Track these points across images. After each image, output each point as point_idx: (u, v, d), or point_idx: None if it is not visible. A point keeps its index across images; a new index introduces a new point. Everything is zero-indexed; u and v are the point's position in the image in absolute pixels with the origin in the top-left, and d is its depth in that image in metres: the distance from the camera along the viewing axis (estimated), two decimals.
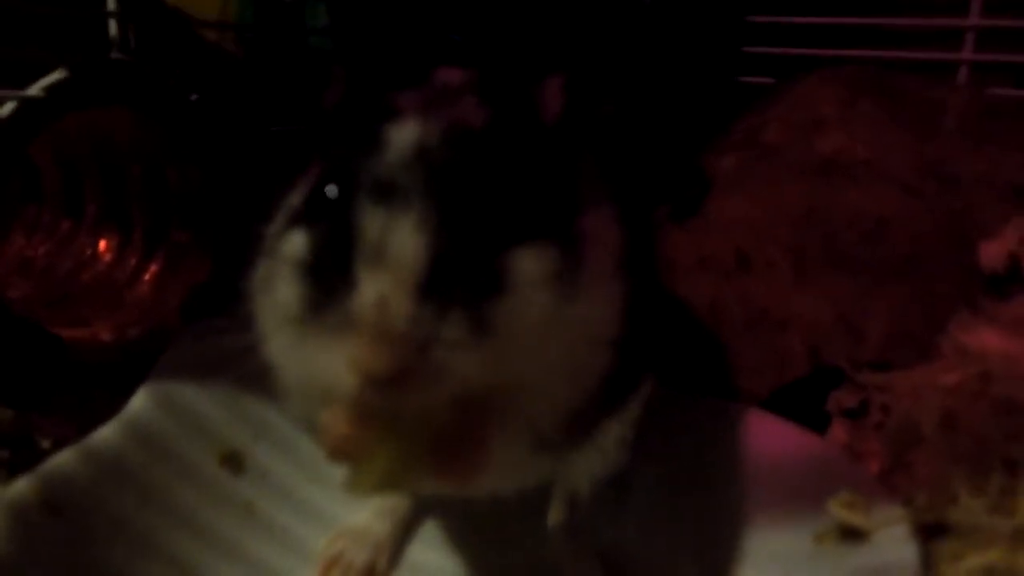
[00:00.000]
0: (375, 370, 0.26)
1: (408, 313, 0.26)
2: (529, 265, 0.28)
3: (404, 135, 0.29)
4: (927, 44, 0.66)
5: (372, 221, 0.27)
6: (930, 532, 0.35)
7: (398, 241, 0.27)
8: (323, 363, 0.28)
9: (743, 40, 0.69)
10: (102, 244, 0.58)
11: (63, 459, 0.38)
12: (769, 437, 0.42)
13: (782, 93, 0.60)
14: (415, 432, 0.29)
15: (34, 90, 0.47)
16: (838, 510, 0.36)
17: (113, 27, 0.52)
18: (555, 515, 0.41)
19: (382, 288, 0.27)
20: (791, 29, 0.68)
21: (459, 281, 0.27)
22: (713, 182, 0.56)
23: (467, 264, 0.27)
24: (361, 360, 0.26)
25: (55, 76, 0.47)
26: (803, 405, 0.45)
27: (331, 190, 0.29)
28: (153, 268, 0.57)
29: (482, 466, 0.31)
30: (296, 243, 0.30)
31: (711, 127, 0.61)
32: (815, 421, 0.43)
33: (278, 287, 0.30)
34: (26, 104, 0.46)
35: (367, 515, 0.43)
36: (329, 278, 0.28)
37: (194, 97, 0.53)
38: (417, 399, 0.28)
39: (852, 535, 0.36)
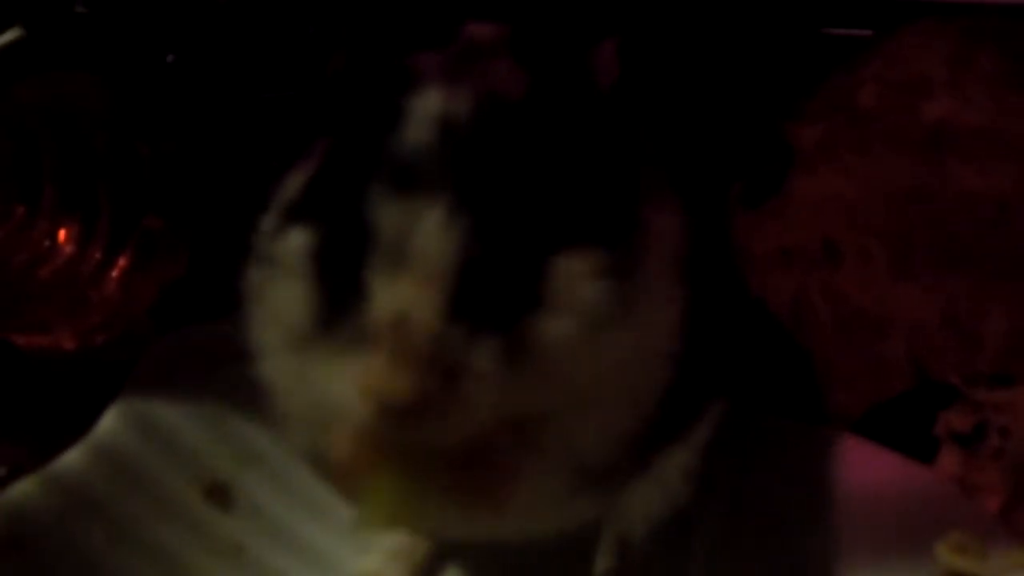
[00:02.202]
0: (391, 396, 0.26)
1: (433, 330, 0.26)
2: (579, 272, 0.28)
3: (427, 108, 0.28)
4: None
5: (389, 216, 0.27)
6: None
7: (422, 241, 0.27)
8: (330, 387, 0.28)
9: None
10: (62, 234, 0.59)
11: (24, 488, 0.39)
12: (864, 468, 0.42)
13: (880, 48, 0.59)
14: (433, 461, 0.30)
15: None
16: (948, 556, 0.36)
17: None
18: (603, 562, 0.42)
19: (402, 299, 0.27)
20: None
21: (494, 292, 0.27)
22: (796, 156, 0.56)
23: (504, 270, 0.27)
24: (375, 384, 0.26)
25: (9, 35, 0.48)
26: (906, 428, 0.45)
27: (338, 177, 0.29)
28: (122, 262, 0.58)
29: (511, 496, 0.31)
30: (297, 243, 0.30)
31: (793, 89, 0.61)
32: (920, 447, 0.43)
33: (277, 296, 0.30)
34: None
35: (378, 559, 0.44)
36: (339, 284, 0.28)
37: (170, 58, 0.54)
38: (438, 432, 0.28)
39: None
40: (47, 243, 0.59)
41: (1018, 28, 0.58)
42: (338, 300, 0.28)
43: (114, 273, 0.58)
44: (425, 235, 0.27)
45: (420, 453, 0.29)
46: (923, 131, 0.54)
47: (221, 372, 0.43)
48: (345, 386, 0.27)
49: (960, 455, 0.43)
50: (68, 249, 0.59)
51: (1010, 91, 0.54)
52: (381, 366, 0.26)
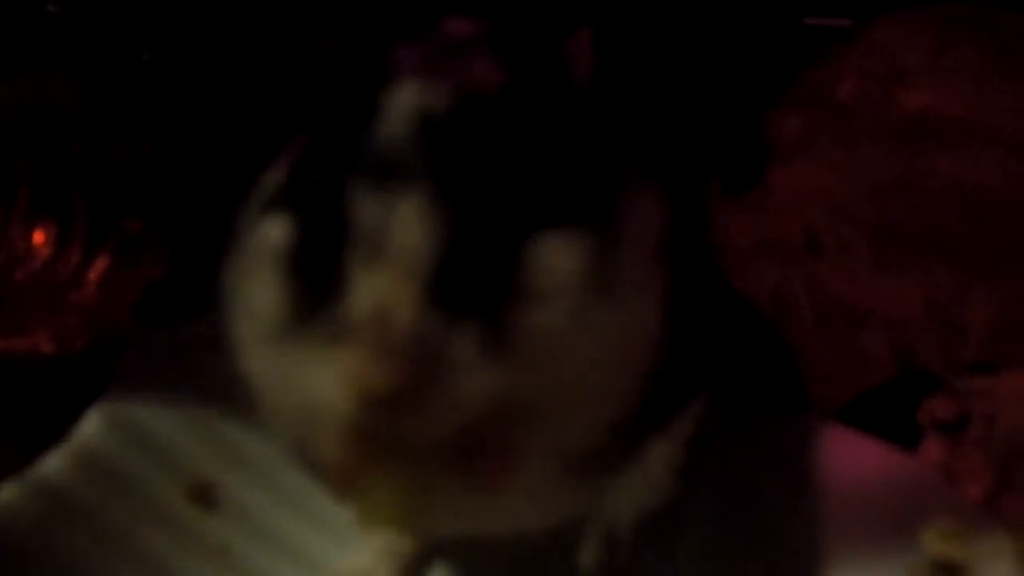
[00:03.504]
0: (373, 387, 0.26)
1: (413, 321, 0.26)
2: (558, 261, 0.28)
3: (405, 101, 0.29)
4: None
5: (368, 206, 0.27)
6: None
7: (400, 231, 0.27)
8: (311, 380, 0.28)
9: None
10: (38, 236, 0.59)
11: (4, 494, 0.39)
12: (848, 457, 0.42)
13: (859, 38, 0.60)
14: (428, 456, 0.29)
15: None
16: (933, 542, 0.36)
17: None
18: (589, 555, 0.42)
19: (381, 289, 0.27)
20: None
21: (474, 281, 0.27)
22: (777, 147, 0.57)
23: (483, 260, 0.27)
24: (356, 375, 0.26)
25: None
26: (889, 416, 0.45)
27: (316, 170, 0.29)
28: (100, 264, 0.58)
29: (510, 481, 0.31)
30: (275, 234, 0.30)
31: (773, 80, 0.62)
32: (904, 436, 0.44)
33: (254, 289, 0.30)
34: None
35: (366, 558, 0.44)
36: (316, 277, 0.28)
37: (147, 57, 0.54)
38: (422, 424, 0.28)
39: (951, 570, 0.36)
40: (22, 246, 0.58)
41: (997, 17, 0.59)
42: (315, 293, 0.28)
43: (92, 275, 0.58)
44: (403, 226, 0.27)
45: (413, 449, 0.29)
46: (903, 121, 0.54)
47: (203, 372, 0.42)
48: (326, 380, 0.27)
49: (944, 443, 0.43)
50: (45, 251, 0.58)
51: (990, 80, 0.55)
52: (362, 358, 0.26)
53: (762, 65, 0.65)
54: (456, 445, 0.29)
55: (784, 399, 0.49)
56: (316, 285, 0.28)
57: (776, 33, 0.68)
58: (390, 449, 0.29)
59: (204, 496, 0.44)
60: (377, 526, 0.31)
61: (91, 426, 0.43)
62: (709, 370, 0.39)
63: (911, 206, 0.52)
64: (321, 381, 0.27)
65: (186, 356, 0.44)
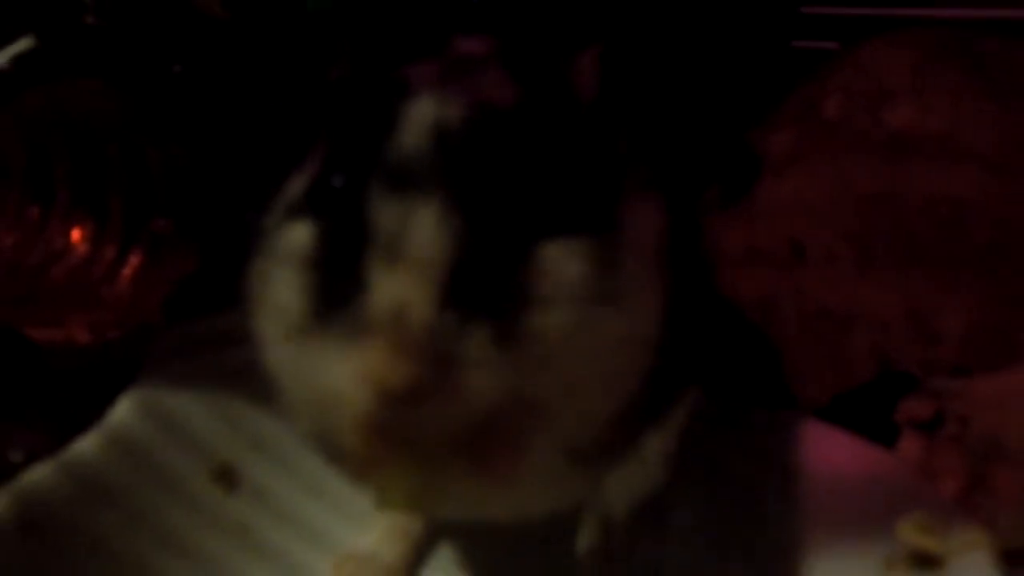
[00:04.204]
0: (391, 384, 0.27)
1: (428, 320, 0.27)
2: (564, 265, 0.29)
3: (421, 114, 0.29)
4: (1014, 2, 0.65)
5: (387, 213, 0.28)
6: (1014, 558, 0.36)
7: (417, 236, 0.27)
8: (331, 376, 0.28)
9: None
10: (75, 234, 0.59)
11: (40, 474, 0.39)
12: (830, 452, 0.42)
13: (845, 60, 0.60)
14: (443, 445, 0.30)
15: None
16: (910, 534, 0.36)
17: None
18: (586, 539, 0.42)
19: (399, 290, 0.27)
20: None
21: (485, 284, 0.27)
22: (765, 162, 0.57)
23: (494, 264, 0.28)
24: (375, 372, 0.27)
25: (22, 44, 0.48)
26: (868, 415, 0.45)
27: (338, 178, 0.30)
28: (133, 261, 0.58)
29: (520, 468, 0.31)
30: (298, 238, 0.30)
31: (763, 99, 0.62)
32: (882, 433, 0.44)
33: (278, 288, 0.31)
34: None
35: (375, 538, 0.44)
36: (337, 279, 0.28)
37: (177, 68, 0.54)
38: (435, 418, 0.28)
39: (926, 562, 0.36)
40: (61, 243, 0.59)
41: (976, 41, 0.59)
42: (337, 292, 0.28)
43: (126, 271, 0.58)
44: (420, 230, 0.27)
45: (428, 439, 0.29)
46: (886, 138, 0.54)
47: (227, 362, 0.43)
48: (346, 376, 0.27)
49: (920, 440, 0.43)
50: (81, 249, 0.59)
51: (968, 101, 0.54)
52: (380, 356, 0.26)
53: (753, 85, 0.65)
54: (467, 436, 0.30)
55: (769, 397, 0.49)
56: (337, 286, 0.28)
57: (766, 55, 0.68)
58: (406, 440, 0.30)
59: (226, 477, 0.45)
60: (392, 508, 0.31)
61: (122, 411, 0.43)
62: (700, 368, 0.39)
63: (892, 217, 0.52)
64: (341, 377, 0.28)
65: (212, 347, 0.45)
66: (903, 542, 0.37)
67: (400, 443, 0.30)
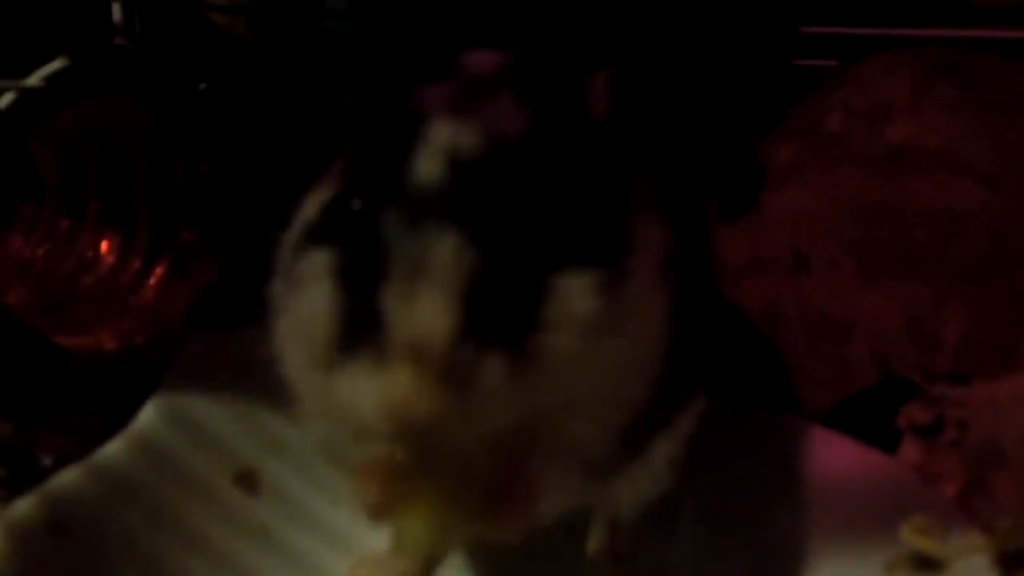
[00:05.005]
0: (413, 413, 0.26)
1: (448, 350, 0.26)
2: (578, 290, 0.28)
3: (436, 142, 0.28)
4: (1008, 22, 0.65)
5: (405, 243, 0.27)
6: (1013, 561, 0.35)
7: (437, 266, 0.27)
8: (353, 401, 0.27)
9: (801, 18, 0.68)
10: (104, 245, 0.59)
11: (68, 476, 0.39)
12: (832, 456, 0.42)
13: (846, 77, 0.60)
14: (456, 479, 0.29)
15: (33, 80, 0.48)
16: (910, 537, 0.36)
17: (117, 12, 0.53)
18: (596, 541, 0.42)
19: (420, 320, 0.26)
20: (855, 6, 0.68)
21: (502, 311, 0.27)
22: (768, 174, 0.56)
23: (510, 291, 0.27)
24: (398, 402, 0.26)
25: (55, 65, 0.48)
26: (870, 421, 0.45)
27: (356, 202, 0.29)
28: (159, 271, 0.58)
29: (535, 506, 0.31)
30: (319, 264, 0.29)
31: (766, 114, 0.61)
32: (884, 439, 0.43)
33: (300, 312, 0.30)
34: (25, 95, 0.47)
35: (392, 540, 0.44)
36: (358, 307, 0.27)
37: (203, 86, 0.54)
38: (451, 442, 0.28)
39: (926, 565, 0.36)
40: (90, 254, 0.59)
41: (971, 59, 0.59)
42: (358, 321, 0.27)
43: (152, 281, 0.58)
44: (439, 260, 0.27)
45: (441, 469, 0.29)
46: (885, 152, 0.54)
47: (249, 370, 0.42)
48: (366, 400, 0.27)
49: (921, 445, 0.43)
50: (110, 259, 0.59)
51: (964, 116, 0.54)
52: (403, 385, 0.26)
53: (756, 101, 0.65)
54: (485, 478, 0.29)
55: (774, 403, 0.49)
56: (358, 314, 0.28)
57: (769, 73, 0.68)
58: (427, 484, 0.29)
59: (248, 481, 0.44)
60: (416, 552, 0.31)
61: (148, 416, 0.43)
62: (707, 375, 0.39)
63: (891, 228, 0.51)
64: (361, 402, 0.27)
65: (234, 355, 0.44)
66: (904, 544, 0.36)
67: (422, 489, 0.29)
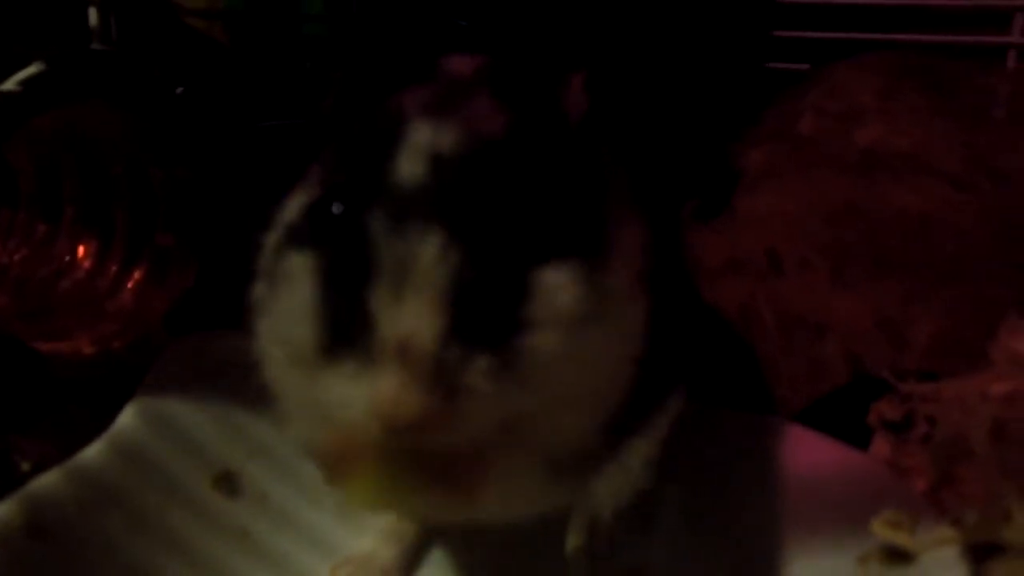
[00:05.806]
0: (401, 415, 0.26)
1: (435, 352, 0.26)
2: (558, 290, 0.28)
3: (417, 144, 0.29)
4: (973, 27, 0.66)
5: (389, 245, 0.27)
6: (981, 553, 0.36)
7: (423, 266, 0.27)
8: (340, 402, 0.28)
9: (774, 23, 0.69)
10: (81, 250, 0.59)
11: (48, 480, 0.39)
12: (806, 453, 0.42)
13: (817, 80, 0.60)
14: (414, 459, 0.30)
15: (9, 84, 0.47)
16: (882, 530, 0.36)
17: (93, 16, 0.53)
18: (574, 540, 0.42)
19: (406, 323, 0.27)
20: (826, 11, 0.68)
21: (485, 312, 0.27)
22: (742, 177, 0.57)
23: (492, 292, 0.27)
24: (385, 405, 0.26)
25: (31, 69, 0.48)
26: (842, 417, 0.45)
27: (337, 205, 0.29)
28: (136, 275, 0.58)
29: (482, 486, 0.31)
30: (301, 268, 0.30)
31: (740, 118, 0.62)
32: (856, 435, 0.44)
33: (284, 318, 0.30)
34: (1, 100, 0.47)
35: (372, 541, 0.44)
36: (343, 310, 0.28)
37: (180, 90, 0.54)
38: (435, 443, 0.28)
39: (897, 557, 0.36)
40: (67, 259, 0.59)
41: (940, 64, 0.59)
42: (342, 324, 0.28)
43: (129, 285, 0.58)
44: (425, 261, 0.27)
45: (404, 453, 0.29)
46: (856, 154, 0.54)
47: (228, 373, 0.43)
48: (355, 407, 0.27)
49: (891, 441, 0.43)
50: (87, 264, 0.58)
51: (933, 119, 0.55)
52: (390, 388, 0.26)
53: (730, 104, 0.65)
54: (440, 456, 0.30)
55: (749, 401, 0.49)
56: (343, 317, 0.28)
57: (742, 76, 0.68)
58: (386, 453, 0.30)
59: (228, 483, 0.44)
60: (361, 507, 0.31)
61: (127, 420, 0.43)
62: (683, 374, 0.39)
63: (862, 229, 0.52)
64: (347, 406, 0.27)
65: (213, 358, 0.45)
66: (876, 537, 0.37)
67: (380, 455, 0.30)
